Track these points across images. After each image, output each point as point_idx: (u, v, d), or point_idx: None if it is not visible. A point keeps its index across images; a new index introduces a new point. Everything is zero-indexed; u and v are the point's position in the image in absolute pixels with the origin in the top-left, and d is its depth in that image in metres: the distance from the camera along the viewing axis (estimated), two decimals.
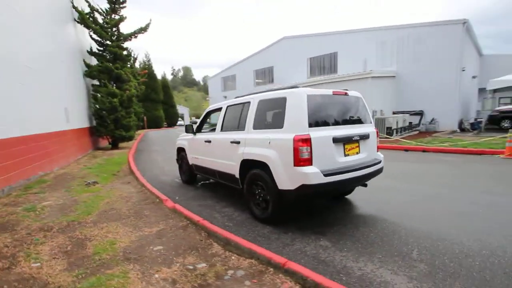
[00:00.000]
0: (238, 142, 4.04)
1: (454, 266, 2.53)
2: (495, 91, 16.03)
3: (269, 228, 3.52)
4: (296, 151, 3.15)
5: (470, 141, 10.29)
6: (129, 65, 12.72)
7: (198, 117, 65.74)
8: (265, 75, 25.62)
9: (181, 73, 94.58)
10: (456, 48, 15.33)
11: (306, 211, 4.08)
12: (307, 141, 3.14)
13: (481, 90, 20.34)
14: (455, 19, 15.34)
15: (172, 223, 3.69)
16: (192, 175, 6.02)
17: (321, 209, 4.13)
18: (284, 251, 2.88)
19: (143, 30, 12.01)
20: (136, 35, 11.84)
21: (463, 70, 15.82)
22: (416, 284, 2.30)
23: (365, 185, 4.05)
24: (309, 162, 3.17)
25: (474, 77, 19.30)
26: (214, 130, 5.57)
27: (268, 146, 3.48)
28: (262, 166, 3.63)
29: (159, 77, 33.27)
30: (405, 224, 3.46)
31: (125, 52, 12.00)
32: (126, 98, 11.69)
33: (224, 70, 29.99)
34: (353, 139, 3.57)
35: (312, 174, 3.11)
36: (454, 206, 4.07)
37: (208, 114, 5.51)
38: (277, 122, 3.51)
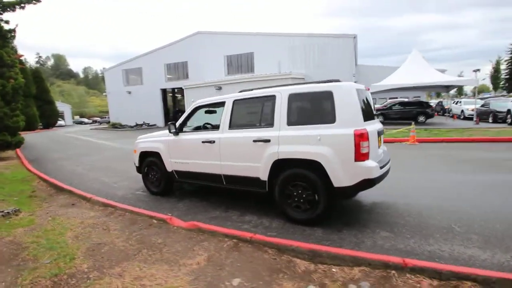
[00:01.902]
0: (267, 141, 3.59)
1: (494, 228, 3.08)
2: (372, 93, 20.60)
3: (320, 230, 3.31)
4: (357, 146, 3.08)
5: None
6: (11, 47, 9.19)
7: (82, 116, 54.69)
8: (178, 70, 23.90)
9: (50, 62, 75.98)
10: (350, 57, 18.71)
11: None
12: (365, 135, 3.12)
13: None
14: (349, 33, 18.69)
15: (213, 247, 2.92)
16: (170, 185, 4.97)
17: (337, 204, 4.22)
18: (368, 250, 2.78)
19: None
20: (23, 4, 8.59)
21: (354, 75, 19.51)
22: (489, 252, 2.67)
23: None
24: (367, 156, 3.17)
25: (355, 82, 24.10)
26: (208, 128, 4.80)
27: (318, 143, 3.26)
28: (307, 165, 3.37)
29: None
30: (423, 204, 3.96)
31: (6, 26, 8.56)
32: (11, 89, 8.43)
33: (126, 61, 26.03)
34: (381, 132, 3.80)
35: (374, 168, 3.13)
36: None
37: (195, 110, 4.64)
38: (325, 117, 3.33)
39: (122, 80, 26.39)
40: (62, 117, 40.27)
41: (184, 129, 4.70)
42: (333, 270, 2.46)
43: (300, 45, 19.32)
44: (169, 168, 4.73)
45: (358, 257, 2.48)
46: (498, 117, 16.24)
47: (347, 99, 3.23)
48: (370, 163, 3.14)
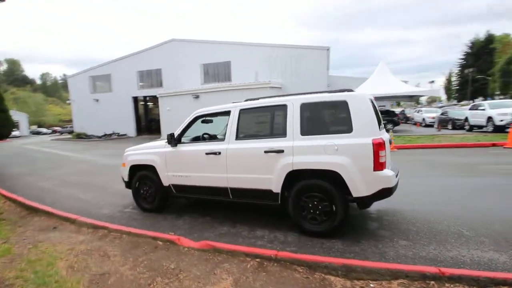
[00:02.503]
0: (280, 151, 3.46)
1: (498, 230, 3.23)
2: None
3: (338, 242, 3.23)
4: (376, 155, 3.08)
5: None
6: None
7: (41, 126, 49.93)
8: (152, 78, 23.01)
9: (3, 67, 69.20)
10: (324, 68, 19.43)
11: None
12: (383, 144, 3.14)
13: None
14: (323, 45, 19.46)
15: (235, 268, 2.68)
16: (165, 200, 4.60)
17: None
18: (395, 260, 2.75)
19: None
20: None
21: (328, 86, 20.26)
22: (505, 255, 2.77)
23: None
24: (385, 165, 3.18)
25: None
26: (210, 139, 4.54)
27: (335, 153, 3.20)
28: (322, 175, 3.30)
29: None
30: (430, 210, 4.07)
31: None
32: None
33: (93, 67, 24.47)
34: (390, 141, 3.87)
35: (392, 177, 3.15)
36: None
37: (195, 120, 4.38)
38: (340, 127, 3.30)
39: (88, 87, 24.71)
40: (18, 127, 36.54)
41: (182, 140, 4.41)
42: (371, 285, 2.37)
43: (277, 55, 19.67)
44: (166, 182, 4.38)
45: (395, 269, 2.42)
46: (456, 124, 17.85)
47: (362, 108, 3.24)
48: (388, 172, 3.16)
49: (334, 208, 3.26)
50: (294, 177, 3.43)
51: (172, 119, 18.52)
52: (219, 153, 3.87)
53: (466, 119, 16.46)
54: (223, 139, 4.00)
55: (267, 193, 3.61)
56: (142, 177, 4.67)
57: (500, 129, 13.40)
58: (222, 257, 2.89)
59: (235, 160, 3.78)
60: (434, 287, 2.27)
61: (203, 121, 4.75)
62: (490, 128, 13.83)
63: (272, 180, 3.54)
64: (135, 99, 24.34)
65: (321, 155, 3.27)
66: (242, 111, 3.89)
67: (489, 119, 13.96)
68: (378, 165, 3.10)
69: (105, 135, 23.24)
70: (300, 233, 3.48)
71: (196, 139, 4.67)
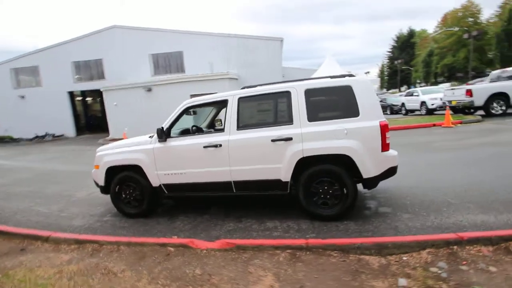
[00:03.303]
0: (288, 139, 3.38)
1: (477, 196, 3.71)
2: None
3: (351, 223, 3.33)
4: (383, 136, 3.23)
5: None
6: None
7: None
8: (91, 69, 20.44)
9: None
10: (278, 59, 19.77)
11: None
12: (388, 126, 3.30)
13: None
14: (276, 36, 19.70)
15: (269, 263, 2.54)
16: (155, 203, 4.14)
17: None
18: (410, 232, 2.95)
19: None
20: None
21: (283, 76, 20.73)
22: (492, 216, 3.19)
23: None
24: (389, 145, 3.36)
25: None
26: (201, 131, 4.20)
27: (345, 137, 3.26)
28: (331, 160, 3.35)
29: None
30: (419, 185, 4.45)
31: None
32: None
33: (16, 58, 20.53)
34: None
35: (396, 156, 3.36)
36: None
37: (185, 111, 3.98)
38: (347, 111, 3.35)
39: (10, 81, 20.76)
40: None
41: (171, 134, 4.00)
42: (404, 258, 2.50)
43: (232, 46, 19.27)
44: (155, 182, 3.94)
45: (421, 240, 2.60)
46: (394, 110, 20.21)
47: (366, 93, 3.34)
48: (393, 151, 3.35)
49: (345, 190, 3.35)
50: (303, 165, 3.41)
51: (121, 115, 16.86)
52: (220, 145, 3.61)
53: (403, 105, 18.67)
54: (221, 130, 3.74)
55: (276, 183, 3.52)
56: (123, 179, 4.11)
57: (431, 111, 15.54)
58: (249, 254, 2.72)
59: (239, 152, 3.58)
60: (458, 250, 2.51)
61: (187, 113, 4.39)
62: (424, 112, 15.90)
63: (280, 169, 3.45)
64: (71, 94, 21.40)
65: (331, 140, 3.30)
66: (241, 100, 3.68)
67: (423, 103, 16.02)
68: (385, 146, 3.26)
69: (37, 137, 20.00)
70: (311, 219, 3.49)
71: (185, 133, 4.29)
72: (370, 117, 3.27)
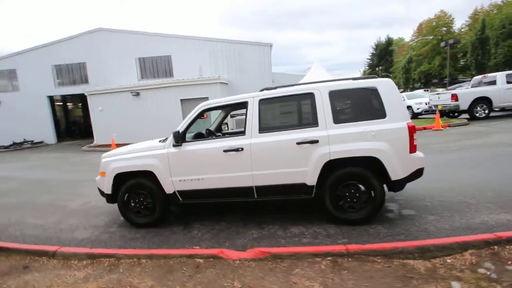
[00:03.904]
0: (314, 141, 3.29)
1: (492, 196, 3.77)
2: None
3: (379, 226, 3.28)
4: (411, 138, 3.21)
5: None
6: None
7: None
8: (74, 73, 19.51)
9: None
10: (268, 64, 19.83)
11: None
12: (415, 127, 3.29)
13: None
14: (266, 42, 19.79)
15: (312, 272, 2.40)
16: (167, 211, 3.89)
17: None
18: (441, 234, 2.92)
19: None
20: None
21: (273, 82, 20.82)
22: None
23: None
24: (416, 147, 3.34)
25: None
26: (213, 135, 4.01)
27: (372, 139, 3.21)
28: (358, 163, 3.28)
29: None
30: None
31: None
32: None
33: None
34: None
35: (423, 158, 3.34)
36: None
37: (202, 114, 3.79)
38: (373, 113, 3.31)
39: None
40: None
41: (186, 138, 3.79)
42: (448, 261, 2.45)
43: (221, 50, 19.13)
44: (170, 189, 3.70)
45: (462, 242, 2.57)
46: None
47: (392, 94, 3.32)
48: (420, 153, 3.34)
49: (372, 193, 3.28)
50: (328, 168, 3.32)
51: (106, 120, 16.16)
52: (242, 149, 3.45)
53: None
54: (241, 133, 3.59)
55: (300, 187, 3.40)
56: (133, 186, 3.84)
57: (416, 115, 16.15)
58: (287, 263, 2.57)
59: (262, 155, 3.44)
60: (499, 250, 2.49)
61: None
62: (410, 115, 16.48)
63: (306, 172, 3.34)
64: (52, 99, 20.31)
65: (358, 142, 3.23)
66: (262, 102, 3.55)
67: (409, 107, 16.60)
68: (413, 148, 3.24)
69: (14, 144, 18.73)
70: (337, 224, 3.40)
71: (198, 137, 4.09)
72: (397, 118, 3.25)
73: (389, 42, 56.44)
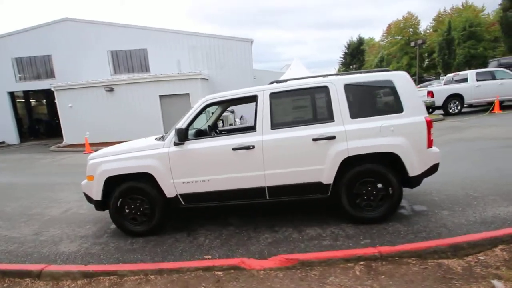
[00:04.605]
0: (331, 137, 3.10)
1: (494, 188, 3.85)
2: None
3: (397, 224, 3.19)
4: (429, 132, 3.13)
5: None
6: None
7: None
8: (37, 67, 17.80)
9: None
10: (249, 60, 19.51)
11: None
12: (432, 121, 3.21)
13: None
14: (246, 37, 19.44)
15: (347, 281, 2.20)
16: (165, 216, 3.51)
17: None
18: (460, 229, 2.88)
19: None
20: None
21: (255, 78, 20.55)
22: None
23: None
24: (433, 142, 3.27)
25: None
26: (229, 131, 3.69)
27: (391, 134, 3.09)
28: (375, 159, 3.15)
29: None
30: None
31: None
32: None
33: None
34: None
35: (439, 152, 3.27)
36: None
37: (205, 108, 3.44)
38: (390, 107, 3.20)
39: None
40: None
41: (188, 136, 3.43)
42: (481, 258, 2.38)
43: (201, 45, 18.48)
44: (171, 192, 3.34)
45: (490, 237, 2.52)
46: None
47: (408, 87, 3.22)
48: (436, 148, 3.27)
49: (390, 190, 3.17)
50: (346, 165, 3.15)
51: (77, 118, 14.94)
52: (253, 147, 3.18)
53: None
54: (251, 129, 3.31)
55: (316, 186, 3.21)
56: (128, 190, 3.42)
57: None
58: (318, 271, 2.35)
59: (276, 153, 3.19)
60: None
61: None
62: None
63: (322, 170, 3.15)
64: (12, 95, 18.40)
65: (377, 137, 3.10)
66: (272, 96, 3.29)
67: None
68: (430, 142, 3.17)
69: None
70: (354, 223, 3.26)
71: (200, 134, 3.75)
72: (414, 112, 3.15)
73: (361, 41, 58.45)
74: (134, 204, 3.44)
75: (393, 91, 3.19)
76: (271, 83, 3.46)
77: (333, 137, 3.10)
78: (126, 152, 3.50)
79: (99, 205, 3.52)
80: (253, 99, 3.36)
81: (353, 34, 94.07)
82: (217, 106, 4.52)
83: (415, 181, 3.22)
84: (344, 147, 3.09)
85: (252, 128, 3.34)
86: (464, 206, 3.50)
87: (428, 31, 44.70)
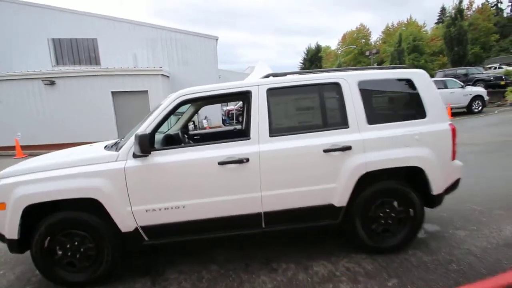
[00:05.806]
0: (347, 148, 2.43)
1: (499, 200, 3.62)
2: None
3: (418, 252, 2.65)
4: (454, 142, 2.65)
5: None
6: None
7: None
8: None
9: None
10: (214, 58, 18.47)
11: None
12: (456, 129, 2.74)
13: None
14: (212, 34, 18.37)
15: None
16: (117, 259, 2.49)
17: None
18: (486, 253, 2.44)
19: None
20: None
21: (219, 78, 19.53)
22: None
23: None
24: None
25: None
26: (205, 137, 2.80)
27: (415, 144, 2.54)
28: (395, 175, 2.58)
29: None
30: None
31: None
32: None
33: None
34: None
35: (461, 166, 2.81)
36: None
37: (179, 107, 2.51)
38: (411, 111, 2.66)
39: None
40: None
41: (155, 145, 2.48)
42: None
43: (161, 39, 16.91)
44: (128, 225, 2.35)
45: None
46: None
47: (430, 88, 2.71)
48: (458, 161, 2.81)
49: (411, 212, 2.62)
50: (361, 182, 2.52)
51: (7, 115, 12.39)
52: (247, 160, 2.36)
53: None
54: (244, 137, 2.49)
55: (326, 210, 2.52)
56: (61, 224, 2.34)
57: None
58: None
59: (276, 169, 2.42)
60: None
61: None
62: None
63: (335, 190, 2.48)
64: None
65: (401, 148, 2.52)
66: (271, 92, 2.52)
67: None
68: (454, 154, 2.70)
69: None
70: (368, 253, 2.64)
71: (170, 142, 2.81)
72: (438, 118, 2.65)
73: (318, 49, 60.89)
74: (70, 243, 2.37)
75: (414, 92, 2.66)
76: (267, 76, 2.69)
77: (349, 148, 2.44)
78: (59, 167, 2.41)
79: (16, 246, 2.37)
80: (244, 96, 2.56)
81: (311, 41, 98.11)
82: (190, 104, 3.60)
83: (438, 200, 2.71)
84: (362, 160, 2.45)
85: (242, 135, 2.53)
86: (476, 224, 3.14)
87: (378, 43, 48.36)
